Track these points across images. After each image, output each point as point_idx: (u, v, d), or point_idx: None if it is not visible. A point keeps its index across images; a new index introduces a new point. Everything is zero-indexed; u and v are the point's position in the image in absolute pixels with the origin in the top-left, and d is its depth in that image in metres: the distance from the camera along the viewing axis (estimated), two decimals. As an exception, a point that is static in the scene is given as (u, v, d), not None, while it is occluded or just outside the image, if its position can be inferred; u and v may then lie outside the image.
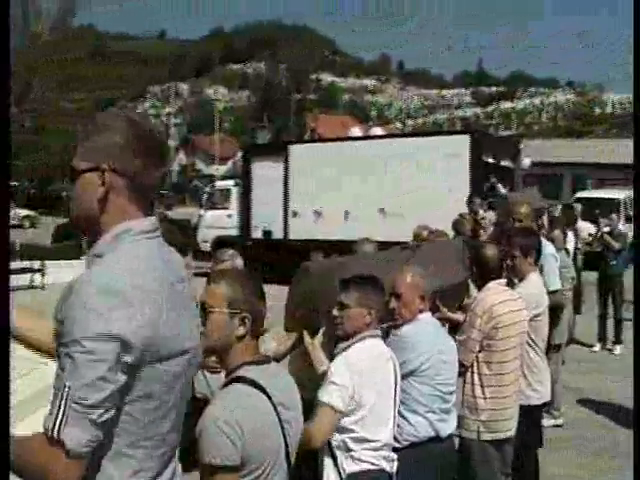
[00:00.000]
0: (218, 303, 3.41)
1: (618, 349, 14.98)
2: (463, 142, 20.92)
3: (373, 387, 4.59)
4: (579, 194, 32.60)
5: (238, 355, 3.41)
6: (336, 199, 22.48)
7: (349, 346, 4.70)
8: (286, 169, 24.12)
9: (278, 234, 24.28)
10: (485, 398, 6.14)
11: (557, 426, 9.96)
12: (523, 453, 6.80)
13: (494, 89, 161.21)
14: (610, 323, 15.30)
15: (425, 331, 5.23)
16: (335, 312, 4.83)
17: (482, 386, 6.17)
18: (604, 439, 9.80)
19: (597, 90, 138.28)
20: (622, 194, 30.61)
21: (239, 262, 6.50)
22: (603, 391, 11.74)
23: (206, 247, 25.92)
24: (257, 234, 24.93)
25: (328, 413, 4.44)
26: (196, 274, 26.59)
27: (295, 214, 23.84)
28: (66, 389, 2.26)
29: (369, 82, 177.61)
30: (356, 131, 28.72)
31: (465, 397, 6.14)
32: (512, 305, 6.28)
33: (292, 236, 23.81)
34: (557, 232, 11.28)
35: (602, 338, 15.25)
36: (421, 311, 5.37)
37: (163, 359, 2.47)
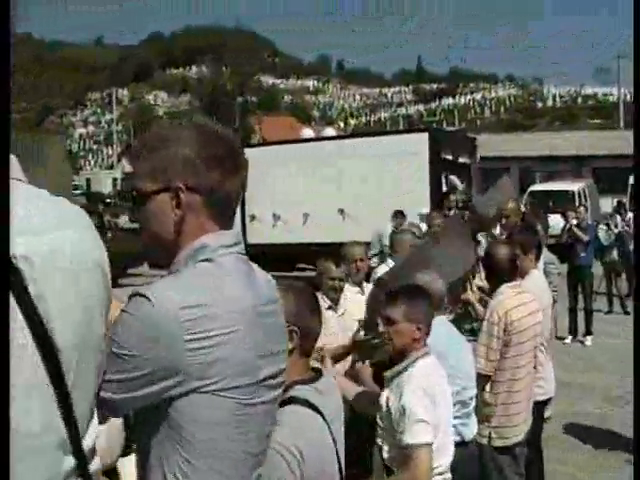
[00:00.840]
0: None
1: (589, 340, 15.06)
2: (422, 140, 20.80)
3: (440, 411, 4.41)
4: (533, 187, 32.84)
5: (287, 372, 3.19)
6: (294, 202, 22.21)
7: (401, 372, 4.50)
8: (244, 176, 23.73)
9: (236, 239, 23.90)
10: (497, 405, 6.03)
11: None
12: (527, 449, 6.71)
13: (435, 86, 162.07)
14: (580, 315, 15.38)
15: (439, 333, 5.07)
16: (381, 327, 4.64)
17: (493, 393, 6.06)
18: (597, 434, 9.79)
19: (537, 84, 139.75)
20: (575, 186, 30.87)
21: None
22: (583, 383, 11.72)
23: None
24: (215, 239, 24.36)
25: (424, 453, 4.20)
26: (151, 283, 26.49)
27: (253, 218, 23.55)
28: None
29: (310, 83, 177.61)
30: (308, 132, 28.54)
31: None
32: (526, 309, 6.18)
33: (250, 240, 23.52)
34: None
35: (573, 330, 15.31)
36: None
37: (228, 388, 2.23)
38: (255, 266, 2.53)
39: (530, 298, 6.34)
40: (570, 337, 15.22)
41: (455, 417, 5.00)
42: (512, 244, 6.91)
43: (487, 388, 6.05)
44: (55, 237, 1.71)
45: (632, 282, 19.21)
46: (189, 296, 2.17)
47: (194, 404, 2.19)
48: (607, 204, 33.25)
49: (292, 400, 3.10)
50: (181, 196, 2.31)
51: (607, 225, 19.26)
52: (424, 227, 13.46)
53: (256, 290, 2.39)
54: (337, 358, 5.71)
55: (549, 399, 7.27)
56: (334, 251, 7.75)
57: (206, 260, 2.32)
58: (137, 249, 17.88)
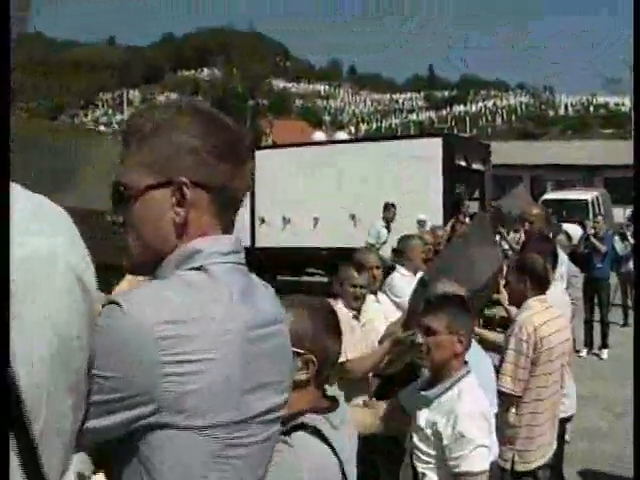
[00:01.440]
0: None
1: (605, 353, 14.73)
2: (435, 145, 20.50)
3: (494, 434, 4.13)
4: (546, 195, 32.53)
5: (296, 402, 2.70)
6: (305, 205, 21.91)
7: (445, 392, 4.16)
8: (252, 175, 23.40)
9: (245, 242, 23.54)
10: (520, 427, 5.67)
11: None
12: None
13: (446, 93, 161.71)
14: (596, 327, 15.05)
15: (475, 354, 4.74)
16: (420, 339, 4.31)
17: (517, 414, 5.71)
18: (607, 450, 9.46)
19: (548, 92, 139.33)
20: (589, 195, 30.56)
21: None
22: (600, 397, 11.37)
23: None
24: (224, 242, 24.07)
25: None
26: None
27: (263, 221, 23.25)
28: None
29: (321, 87, 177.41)
30: (320, 136, 28.26)
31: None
32: (555, 325, 5.85)
33: (260, 244, 23.23)
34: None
35: (589, 343, 14.96)
36: None
37: (208, 426, 1.82)
38: (257, 279, 2.14)
39: (557, 313, 6.02)
40: (586, 350, 14.87)
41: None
42: (542, 254, 6.57)
43: (512, 409, 5.70)
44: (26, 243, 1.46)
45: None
46: (169, 310, 1.79)
47: (167, 441, 1.79)
48: (619, 214, 32.97)
49: (302, 427, 2.71)
50: (185, 192, 1.94)
51: (622, 235, 18.92)
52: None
53: (253, 308, 1.99)
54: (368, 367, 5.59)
55: (571, 416, 6.94)
56: (345, 256, 7.49)
57: (196, 268, 1.93)
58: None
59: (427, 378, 4.43)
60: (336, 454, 2.72)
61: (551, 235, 13.91)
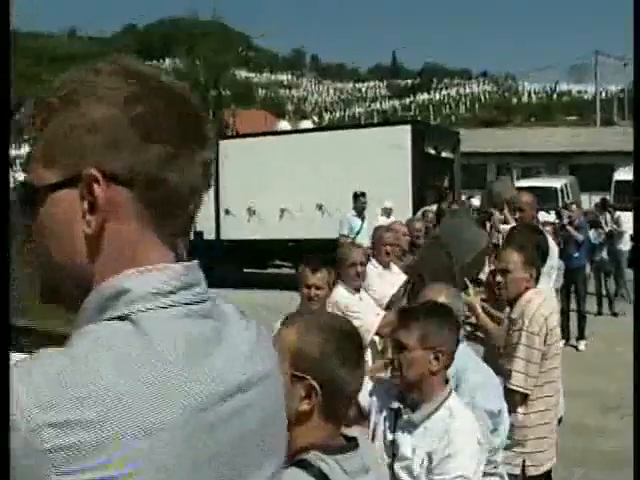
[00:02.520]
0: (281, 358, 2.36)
1: (582, 345, 14.42)
2: (404, 133, 20.16)
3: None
4: (515, 183, 32.32)
5: (300, 437, 2.30)
6: (270, 196, 21.46)
7: (430, 415, 3.74)
8: (216, 166, 22.92)
9: (209, 235, 23.03)
10: (530, 427, 5.24)
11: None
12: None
13: (409, 81, 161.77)
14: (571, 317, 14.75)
15: (462, 360, 4.29)
16: (391, 354, 3.85)
17: (526, 413, 5.28)
18: (593, 445, 9.22)
19: (511, 80, 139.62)
20: (558, 182, 30.36)
21: None
22: (581, 391, 11.00)
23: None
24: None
25: None
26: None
27: (227, 212, 22.75)
28: None
29: (284, 77, 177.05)
30: (285, 125, 27.81)
31: None
32: (556, 317, 5.48)
33: (225, 236, 22.74)
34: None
35: (565, 334, 14.57)
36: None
37: None
38: (230, 316, 1.49)
39: (554, 305, 5.67)
40: (563, 341, 14.48)
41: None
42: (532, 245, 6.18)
43: (519, 409, 5.28)
44: None
45: (620, 283, 18.72)
46: (66, 402, 1.19)
47: None
48: (585, 201, 32.84)
49: (301, 464, 2.25)
50: (95, 191, 1.34)
51: (595, 223, 18.70)
52: (384, 220, 13.30)
53: (208, 373, 1.35)
54: None
55: (561, 417, 6.53)
56: (312, 248, 7.19)
57: (121, 317, 1.33)
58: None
59: (398, 393, 3.94)
60: None
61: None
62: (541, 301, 5.56)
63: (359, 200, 17.86)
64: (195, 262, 1.45)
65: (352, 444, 2.44)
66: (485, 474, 4.17)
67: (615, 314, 17.48)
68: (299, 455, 2.29)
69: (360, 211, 17.92)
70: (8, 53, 1.35)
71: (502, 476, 4.48)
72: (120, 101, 1.37)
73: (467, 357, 4.46)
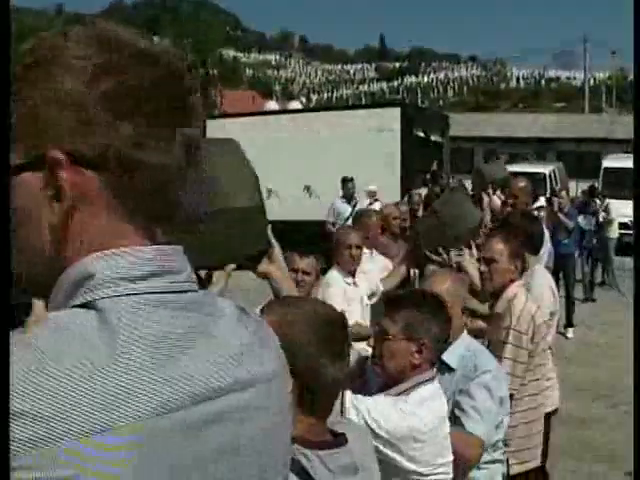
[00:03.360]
0: None
1: (570, 332, 14.33)
2: (394, 115, 19.98)
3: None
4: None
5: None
6: (259, 176, 21.23)
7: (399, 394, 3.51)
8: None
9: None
10: (516, 426, 5.10)
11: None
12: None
13: (397, 64, 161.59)
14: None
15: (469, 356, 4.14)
16: (372, 343, 3.67)
17: (511, 413, 5.14)
18: (585, 436, 9.09)
19: (499, 65, 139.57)
20: (546, 168, 30.30)
21: None
22: (571, 381, 10.89)
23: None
24: (174, 219, 23.36)
25: None
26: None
27: (214, 193, 22.59)
28: None
29: (272, 57, 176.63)
30: (272, 105, 27.65)
31: None
32: (543, 312, 5.35)
33: (211, 216, 22.60)
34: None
35: (553, 322, 14.54)
36: (465, 325, 4.27)
37: None
38: (231, 314, 1.32)
39: (541, 299, 5.54)
40: (550, 329, 14.45)
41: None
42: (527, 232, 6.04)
43: None
44: None
45: (608, 270, 18.69)
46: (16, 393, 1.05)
47: None
48: (572, 188, 32.82)
49: None
50: (61, 176, 1.18)
51: (587, 210, 18.67)
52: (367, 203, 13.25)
53: (186, 371, 1.19)
54: None
55: (556, 410, 6.41)
56: (299, 229, 7.07)
57: (85, 305, 1.17)
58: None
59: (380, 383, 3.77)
60: None
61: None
62: (526, 297, 5.39)
63: (347, 186, 17.31)
64: (179, 247, 1.28)
65: (339, 440, 2.31)
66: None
67: (594, 300, 17.56)
68: None
69: (349, 197, 17.34)
70: (8, 52, 1.15)
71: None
72: (89, 72, 1.19)
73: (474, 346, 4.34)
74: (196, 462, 1.18)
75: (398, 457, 3.32)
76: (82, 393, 1.08)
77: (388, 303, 3.75)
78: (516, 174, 26.90)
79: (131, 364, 1.13)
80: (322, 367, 2.23)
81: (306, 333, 2.22)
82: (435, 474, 3.42)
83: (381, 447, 3.24)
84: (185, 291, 1.25)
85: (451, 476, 3.54)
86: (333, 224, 15.67)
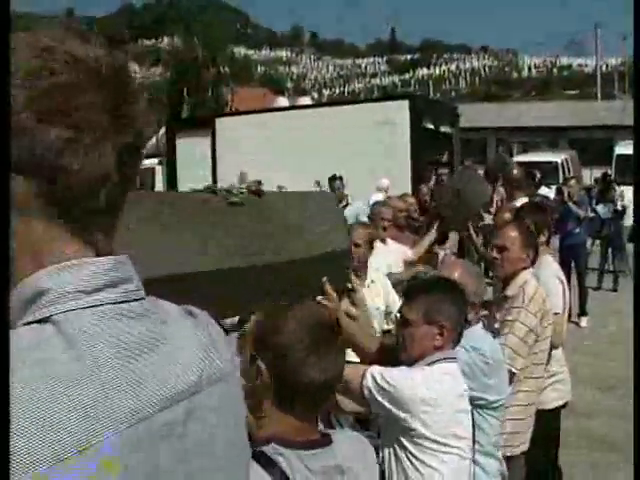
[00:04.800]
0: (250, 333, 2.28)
1: (584, 321, 14.25)
2: (402, 108, 19.89)
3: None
4: (514, 158, 32.15)
5: (271, 424, 2.22)
6: (269, 173, 21.15)
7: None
8: (213, 143, 22.73)
9: (208, 214, 22.87)
10: (509, 407, 5.07)
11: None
12: (544, 460, 5.90)
13: (408, 57, 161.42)
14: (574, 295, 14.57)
15: (479, 346, 4.13)
16: (394, 328, 3.73)
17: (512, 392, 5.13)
18: (593, 428, 9.07)
19: (511, 54, 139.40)
20: (558, 157, 30.18)
21: None
22: (583, 372, 10.83)
23: (131, 232, 24.61)
24: (186, 214, 23.32)
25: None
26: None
27: (225, 192, 22.55)
28: None
29: (283, 53, 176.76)
30: (283, 102, 27.58)
31: None
32: (558, 299, 5.36)
33: (222, 215, 22.54)
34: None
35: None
36: (469, 322, 4.26)
37: None
38: (180, 318, 1.34)
39: (555, 289, 5.53)
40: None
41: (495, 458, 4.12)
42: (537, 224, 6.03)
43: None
44: None
45: (623, 258, 18.57)
46: None
47: None
48: (586, 175, 32.70)
49: (258, 456, 2.08)
50: None
51: (606, 198, 18.55)
52: (380, 196, 13.02)
53: (146, 380, 1.20)
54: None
55: (566, 403, 6.36)
56: None
57: (41, 321, 1.16)
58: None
59: None
60: None
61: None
62: (538, 284, 5.41)
63: (334, 185, 15.79)
64: (124, 256, 1.27)
65: (323, 441, 2.29)
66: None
67: (616, 290, 17.38)
68: (258, 447, 2.13)
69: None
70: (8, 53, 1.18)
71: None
72: (19, 77, 1.18)
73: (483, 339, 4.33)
74: (170, 465, 1.19)
75: (409, 418, 3.41)
76: (45, 415, 1.06)
77: (406, 293, 3.86)
78: (527, 163, 26.99)
79: (95, 377, 1.13)
80: (308, 368, 2.21)
81: (294, 334, 2.22)
82: (450, 447, 3.46)
83: (393, 409, 3.41)
84: (136, 299, 1.26)
85: (469, 459, 3.57)
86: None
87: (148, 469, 1.15)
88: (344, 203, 14.40)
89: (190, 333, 1.33)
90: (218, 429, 1.30)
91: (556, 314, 5.75)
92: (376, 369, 3.51)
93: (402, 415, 3.41)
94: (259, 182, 3.72)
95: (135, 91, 1.30)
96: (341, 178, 15.68)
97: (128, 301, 1.24)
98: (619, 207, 18.48)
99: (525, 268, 5.42)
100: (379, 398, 3.43)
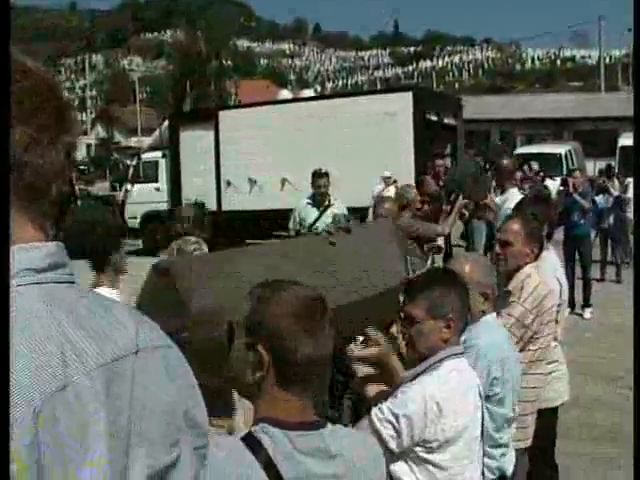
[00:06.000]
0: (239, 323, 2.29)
1: (587, 313, 14.23)
2: (405, 100, 19.85)
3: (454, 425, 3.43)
4: (518, 150, 32.15)
5: (260, 408, 2.24)
6: (271, 166, 21.18)
7: (421, 374, 3.53)
8: (217, 136, 22.73)
9: (212, 206, 22.87)
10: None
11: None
12: (541, 461, 5.82)
13: (412, 49, 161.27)
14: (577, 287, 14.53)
15: (492, 339, 4.10)
16: (396, 328, 3.70)
17: None
18: (600, 419, 9.05)
19: (515, 46, 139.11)
20: (562, 148, 30.12)
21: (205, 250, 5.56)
22: (587, 363, 10.81)
23: (134, 224, 24.73)
24: (189, 207, 23.28)
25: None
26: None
27: (229, 184, 22.53)
28: None
29: (286, 46, 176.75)
30: (286, 94, 27.56)
31: None
32: (552, 298, 5.28)
33: (226, 208, 22.53)
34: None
35: (570, 302, 14.36)
36: (484, 312, 4.23)
37: None
38: (97, 298, 1.50)
39: (551, 285, 5.47)
40: (568, 309, 14.28)
41: (497, 446, 4.08)
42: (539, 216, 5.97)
43: None
44: None
45: (627, 250, 18.50)
46: None
47: None
48: (589, 167, 32.64)
49: (247, 439, 2.13)
50: None
51: (602, 188, 18.49)
52: (382, 188, 12.89)
53: (103, 338, 1.37)
54: None
55: (563, 403, 6.31)
56: None
57: None
58: (109, 218, 16.90)
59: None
60: None
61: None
62: (539, 279, 5.33)
63: (317, 182, 12.42)
64: (62, 243, 1.45)
65: (316, 424, 2.27)
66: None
67: (620, 281, 17.32)
68: (252, 427, 2.17)
69: (318, 197, 12.31)
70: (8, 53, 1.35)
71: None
72: None
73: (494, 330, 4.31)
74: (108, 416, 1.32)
75: (431, 430, 3.40)
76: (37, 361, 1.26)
77: (407, 290, 3.77)
78: (531, 155, 26.98)
79: (61, 335, 1.31)
80: (298, 344, 2.20)
81: (283, 310, 2.22)
82: (463, 449, 3.46)
83: (413, 430, 3.39)
84: (70, 282, 1.43)
85: (477, 459, 3.57)
86: (297, 233, 11.85)
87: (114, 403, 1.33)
88: (326, 203, 12.13)
89: (125, 308, 1.51)
90: (149, 392, 1.41)
91: (560, 304, 5.73)
92: (382, 413, 3.45)
93: (423, 431, 3.39)
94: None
95: (69, 99, 1.53)
96: (327, 174, 12.57)
97: (66, 282, 1.41)
98: (613, 196, 18.37)
99: (528, 263, 5.36)
100: (403, 434, 3.41)
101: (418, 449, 3.44)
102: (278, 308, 2.22)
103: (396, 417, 3.39)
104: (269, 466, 2.09)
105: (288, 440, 2.15)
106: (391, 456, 3.41)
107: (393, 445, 3.41)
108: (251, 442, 2.12)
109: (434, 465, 3.43)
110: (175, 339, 1.53)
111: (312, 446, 2.18)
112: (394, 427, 3.40)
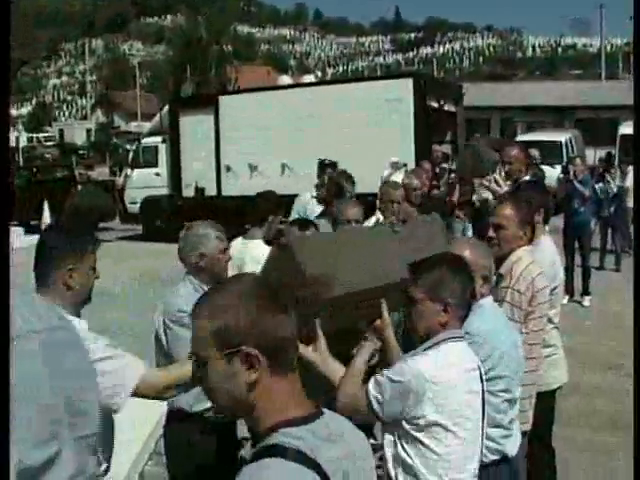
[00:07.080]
0: (203, 346, 2.13)
1: (587, 300, 14.22)
2: (406, 86, 19.80)
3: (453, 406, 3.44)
4: (519, 137, 32.12)
5: (267, 412, 2.12)
6: (272, 151, 21.16)
7: (417, 354, 3.57)
8: (217, 122, 22.69)
9: (211, 191, 22.88)
10: None
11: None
12: (537, 445, 5.76)
13: (412, 35, 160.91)
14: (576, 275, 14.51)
15: (491, 322, 4.10)
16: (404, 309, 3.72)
17: None
18: (599, 406, 9.04)
19: (516, 34, 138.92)
20: (562, 136, 30.06)
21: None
22: (586, 351, 10.80)
23: (134, 209, 24.71)
24: (189, 192, 23.46)
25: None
26: (122, 238, 25.52)
27: (228, 169, 22.50)
28: None
29: (286, 32, 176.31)
30: (286, 80, 27.51)
31: None
32: (545, 279, 5.27)
33: (226, 192, 22.51)
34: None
35: (570, 290, 14.34)
36: (482, 295, 4.22)
37: None
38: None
39: (545, 268, 5.46)
40: (567, 297, 14.27)
41: (498, 426, 4.07)
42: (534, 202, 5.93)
43: None
44: None
45: (627, 238, 18.47)
46: None
47: None
48: (590, 155, 32.55)
49: (276, 450, 2.00)
50: None
51: (603, 176, 18.44)
52: (393, 175, 12.80)
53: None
54: None
55: (561, 385, 6.31)
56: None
57: None
58: (109, 203, 17.08)
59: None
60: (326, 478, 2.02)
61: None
62: (531, 260, 5.31)
63: (325, 174, 10.74)
64: None
65: (319, 410, 2.22)
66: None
67: (619, 270, 17.30)
68: (267, 439, 2.05)
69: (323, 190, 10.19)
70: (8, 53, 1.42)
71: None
72: None
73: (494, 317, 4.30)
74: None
75: (421, 406, 3.41)
76: None
77: (411, 271, 3.79)
78: (532, 143, 26.95)
79: None
80: (278, 328, 2.12)
81: (258, 307, 2.12)
82: (460, 429, 3.46)
83: (405, 403, 3.42)
84: None
85: (478, 441, 3.58)
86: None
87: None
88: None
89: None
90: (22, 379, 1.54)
91: (554, 288, 5.72)
92: (376, 376, 3.53)
93: (414, 406, 3.40)
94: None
95: None
96: (335, 164, 11.45)
97: None
98: (613, 187, 18.29)
99: (521, 247, 5.36)
100: (388, 399, 3.42)
101: (408, 426, 3.45)
102: (255, 303, 2.12)
103: (388, 380, 3.45)
104: (318, 470, 2.01)
105: (312, 434, 2.08)
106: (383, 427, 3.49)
107: (376, 406, 3.47)
108: (291, 455, 1.99)
109: (424, 445, 3.44)
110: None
111: (324, 433, 2.15)
112: (381, 390, 3.45)
